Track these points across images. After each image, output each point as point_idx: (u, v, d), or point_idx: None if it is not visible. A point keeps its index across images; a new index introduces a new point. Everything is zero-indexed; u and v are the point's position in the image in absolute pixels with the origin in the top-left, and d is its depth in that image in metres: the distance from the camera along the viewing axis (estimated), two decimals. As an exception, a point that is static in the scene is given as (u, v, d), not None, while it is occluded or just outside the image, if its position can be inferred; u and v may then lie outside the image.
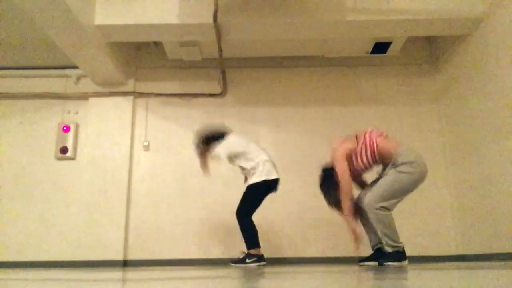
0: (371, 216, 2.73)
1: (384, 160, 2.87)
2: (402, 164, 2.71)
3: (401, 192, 2.74)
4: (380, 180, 2.80)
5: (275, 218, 4.39)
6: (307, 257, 4.25)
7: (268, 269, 2.31)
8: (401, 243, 2.74)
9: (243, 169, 3.51)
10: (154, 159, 4.60)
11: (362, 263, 2.84)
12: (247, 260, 3.32)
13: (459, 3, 3.77)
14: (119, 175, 4.46)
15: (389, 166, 2.79)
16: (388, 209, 2.73)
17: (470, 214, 4.02)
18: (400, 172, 2.70)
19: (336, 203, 2.96)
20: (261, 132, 4.65)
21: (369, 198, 2.75)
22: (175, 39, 4.20)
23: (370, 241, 2.90)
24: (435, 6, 3.77)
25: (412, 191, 2.76)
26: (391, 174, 2.74)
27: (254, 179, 3.39)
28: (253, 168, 3.42)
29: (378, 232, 2.72)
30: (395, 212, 2.81)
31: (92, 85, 4.72)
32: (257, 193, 3.43)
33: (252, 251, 3.34)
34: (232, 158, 3.49)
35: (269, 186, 3.42)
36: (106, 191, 4.40)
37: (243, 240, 3.38)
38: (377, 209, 2.71)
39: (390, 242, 2.70)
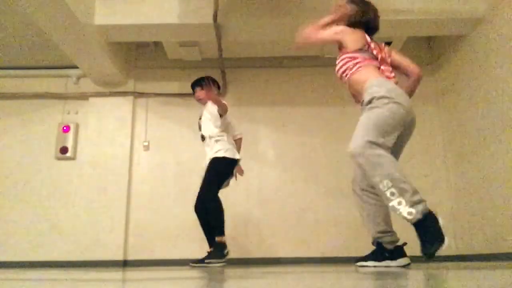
0: (362, 163, 2.01)
1: (355, 95, 2.40)
2: (370, 101, 2.14)
3: (385, 127, 2.06)
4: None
5: (275, 218, 4.38)
6: (307, 257, 4.25)
7: (268, 269, 2.31)
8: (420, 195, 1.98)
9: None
10: (154, 159, 4.60)
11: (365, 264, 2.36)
12: (225, 252, 3.11)
13: (459, 3, 3.77)
14: (119, 175, 4.46)
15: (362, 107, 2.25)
16: (379, 145, 2.02)
17: (470, 214, 4.02)
18: (371, 107, 2.12)
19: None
20: (261, 132, 4.65)
21: (352, 145, 2.08)
22: (175, 39, 4.20)
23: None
24: (435, 6, 3.77)
25: (398, 126, 2.10)
26: (364, 117, 2.16)
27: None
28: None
29: (378, 185, 1.96)
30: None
31: (92, 85, 4.72)
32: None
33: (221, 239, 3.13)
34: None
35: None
36: (106, 191, 4.39)
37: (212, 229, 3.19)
38: (364, 147, 2.01)
39: (408, 197, 1.92)
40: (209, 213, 3.18)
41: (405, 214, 1.92)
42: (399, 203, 1.94)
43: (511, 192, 3.41)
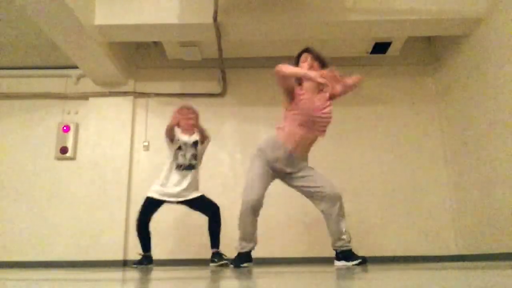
0: (341, 204, 2.79)
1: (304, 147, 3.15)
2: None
3: None
4: (313, 176, 2.92)
5: (274, 218, 4.38)
6: (307, 257, 4.25)
7: (266, 269, 2.31)
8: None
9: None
10: (154, 159, 4.60)
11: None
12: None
13: (459, 3, 3.77)
14: (119, 175, 4.46)
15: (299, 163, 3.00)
16: None
17: (470, 214, 4.02)
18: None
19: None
20: (261, 132, 4.64)
21: (334, 186, 2.79)
22: (175, 39, 4.20)
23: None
24: (435, 6, 3.77)
25: None
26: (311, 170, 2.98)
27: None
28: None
29: (342, 223, 2.78)
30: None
31: (92, 85, 4.72)
32: None
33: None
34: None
35: None
36: (106, 191, 4.40)
37: (217, 241, 3.47)
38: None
39: (349, 238, 2.77)
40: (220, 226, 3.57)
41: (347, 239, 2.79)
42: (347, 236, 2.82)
43: (511, 192, 3.41)
